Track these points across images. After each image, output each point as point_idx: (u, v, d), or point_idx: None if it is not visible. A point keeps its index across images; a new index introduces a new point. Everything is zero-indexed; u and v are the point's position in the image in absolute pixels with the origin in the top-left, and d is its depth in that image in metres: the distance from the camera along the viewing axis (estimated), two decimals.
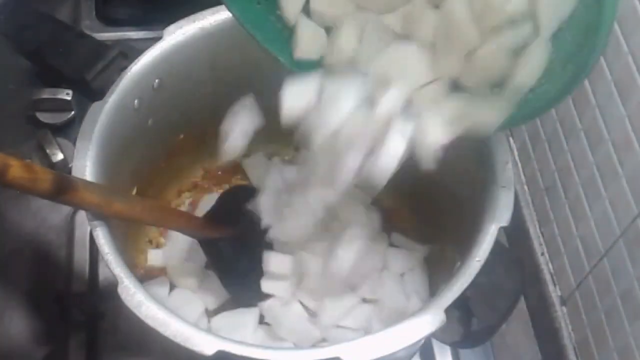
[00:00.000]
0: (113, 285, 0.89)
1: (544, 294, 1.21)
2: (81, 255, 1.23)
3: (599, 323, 1.09)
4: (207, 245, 1.09)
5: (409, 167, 1.21)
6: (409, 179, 1.22)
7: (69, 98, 1.32)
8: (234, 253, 1.10)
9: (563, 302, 1.19)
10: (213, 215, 1.12)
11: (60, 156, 1.27)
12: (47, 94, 1.33)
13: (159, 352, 1.03)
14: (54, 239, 1.27)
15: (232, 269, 1.11)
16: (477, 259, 0.91)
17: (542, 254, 1.23)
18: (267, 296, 1.13)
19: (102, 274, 1.21)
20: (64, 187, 0.86)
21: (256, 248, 1.14)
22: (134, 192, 1.14)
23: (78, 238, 1.24)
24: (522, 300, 1.23)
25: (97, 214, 0.92)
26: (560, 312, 1.19)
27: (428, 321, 0.87)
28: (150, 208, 1.02)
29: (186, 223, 1.07)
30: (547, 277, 1.21)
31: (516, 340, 1.24)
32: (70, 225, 1.26)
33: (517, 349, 1.23)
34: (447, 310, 0.87)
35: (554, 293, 1.20)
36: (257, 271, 1.13)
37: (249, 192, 1.16)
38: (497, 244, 0.93)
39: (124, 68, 1.05)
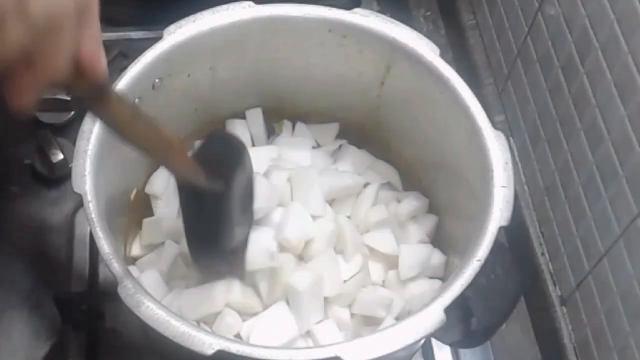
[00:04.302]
0: (113, 285, 0.89)
1: (544, 294, 1.21)
2: (81, 255, 1.22)
3: (599, 323, 1.09)
4: (188, 194, 0.94)
5: (408, 168, 1.23)
6: (408, 180, 1.24)
7: (68, 98, 1.32)
8: (218, 212, 0.94)
9: (563, 302, 1.19)
10: (202, 159, 0.93)
11: (60, 156, 1.27)
12: (47, 94, 1.33)
13: (158, 351, 1.03)
14: (54, 239, 1.27)
15: (209, 230, 0.96)
16: (477, 258, 0.91)
17: (542, 254, 1.23)
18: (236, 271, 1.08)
19: (102, 274, 1.21)
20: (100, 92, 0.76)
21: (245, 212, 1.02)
22: (134, 192, 1.14)
23: (78, 238, 1.24)
24: (522, 300, 1.23)
25: (117, 132, 0.82)
26: (560, 312, 1.19)
27: (428, 321, 0.87)
28: (165, 140, 0.87)
29: (180, 156, 0.90)
30: (547, 277, 1.21)
31: (516, 340, 1.24)
32: (70, 225, 1.26)
33: (517, 349, 1.23)
34: (447, 310, 0.87)
35: (554, 293, 1.20)
36: (238, 243, 1.02)
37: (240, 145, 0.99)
38: (497, 243, 0.93)
39: (124, 68, 1.05)
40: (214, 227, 0.95)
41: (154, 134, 0.85)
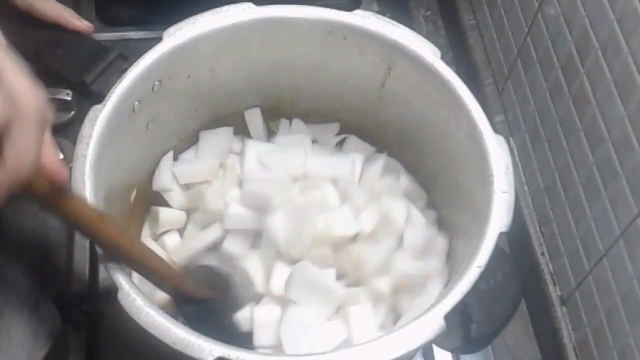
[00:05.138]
0: (113, 286, 0.90)
1: (544, 294, 1.21)
2: (81, 256, 1.22)
3: (599, 323, 1.09)
4: (181, 301, 1.02)
5: (408, 169, 1.23)
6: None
7: (68, 98, 1.32)
8: (210, 314, 1.02)
9: (563, 302, 1.19)
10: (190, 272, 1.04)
11: (60, 156, 1.27)
12: (46, 94, 1.33)
13: (158, 352, 1.03)
14: (54, 239, 1.27)
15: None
16: (476, 265, 0.91)
17: (542, 254, 1.23)
18: None
19: (102, 274, 1.21)
20: (61, 190, 0.81)
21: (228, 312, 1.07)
22: (134, 194, 1.14)
23: (78, 238, 1.24)
24: (522, 300, 1.23)
25: (85, 232, 0.90)
26: (560, 312, 1.19)
27: (427, 328, 0.87)
28: (139, 244, 0.99)
29: (166, 270, 0.99)
30: (547, 277, 1.21)
31: (516, 340, 1.24)
32: None
33: (517, 349, 1.23)
34: (447, 317, 0.87)
35: (554, 293, 1.20)
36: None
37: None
38: (497, 249, 0.92)
39: (123, 70, 1.05)
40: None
41: (126, 238, 0.93)
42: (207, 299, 1.02)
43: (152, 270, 0.97)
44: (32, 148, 0.72)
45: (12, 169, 0.71)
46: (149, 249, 0.99)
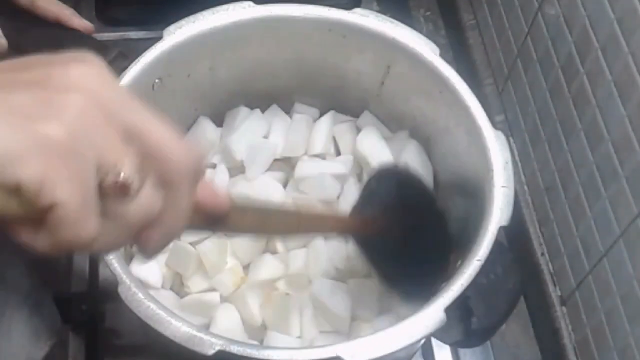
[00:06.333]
0: (113, 285, 0.89)
1: (544, 294, 1.21)
2: (81, 256, 1.22)
3: (599, 323, 1.09)
4: (362, 242, 1.00)
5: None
6: None
7: None
8: (398, 248, 0.99)
9: (563, 302, 1.19)
10: (362, 208, 1.02)
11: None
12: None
13: (159, 352, 1.03)
14: None
15: (398, 267, 1.00)
16: (477, 258, 0.91)
17: (542, 254, 1.23)
18: None
19: (102, 274, 1.21)
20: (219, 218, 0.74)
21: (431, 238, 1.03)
22: None
23: None
24: (522, 300, 1.23)
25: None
26: (560, 312, 1.18)
27: (428, 321, 0.87)
28: (302, 216, 0.92)
29: (337, 225, 0.98)
30: (547, 277, 1.21)
31: (516, 340, 1.24)
32: None
33: (517, 349, 1.23)
34: (447, 310, 0.87)
35: (554, 293, 1.20)
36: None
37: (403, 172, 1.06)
38: (497, 243, 0.93)
39: (123, 68, 1.05)
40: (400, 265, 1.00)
41: (293, 216, 0.89)
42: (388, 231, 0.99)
43: (320, 232, 1.02)
44: (187, 209, 0.66)
45: (169, 231, 0.66)
46: (314, 214, 0.99)
